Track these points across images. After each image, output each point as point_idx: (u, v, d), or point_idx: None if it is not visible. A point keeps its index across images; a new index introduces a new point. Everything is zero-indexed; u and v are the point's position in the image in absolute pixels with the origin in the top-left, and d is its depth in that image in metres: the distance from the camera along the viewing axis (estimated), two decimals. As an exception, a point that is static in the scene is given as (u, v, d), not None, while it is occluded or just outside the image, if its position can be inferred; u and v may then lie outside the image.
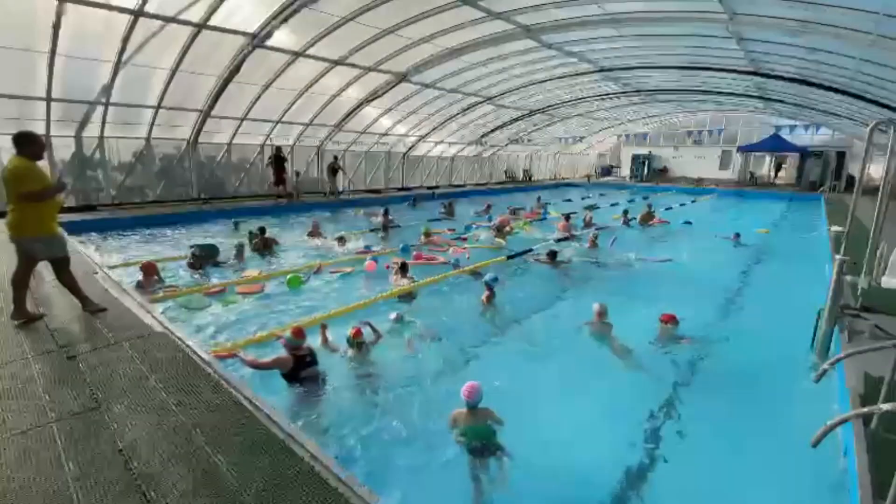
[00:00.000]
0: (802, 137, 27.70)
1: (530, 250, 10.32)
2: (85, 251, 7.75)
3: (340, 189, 18.58)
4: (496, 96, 18.99)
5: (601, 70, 15.87)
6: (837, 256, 4.92)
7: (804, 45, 9.34)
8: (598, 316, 6.04)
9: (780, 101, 16.93)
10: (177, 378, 3.53)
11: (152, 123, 13.27)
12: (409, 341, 5.65)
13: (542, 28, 11.65)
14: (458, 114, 19.98)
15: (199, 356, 3.89)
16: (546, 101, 21.73)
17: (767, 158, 31.18)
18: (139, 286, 6.93)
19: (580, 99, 21.57)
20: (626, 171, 34.48)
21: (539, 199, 18.35)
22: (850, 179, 27.11)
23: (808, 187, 27.10)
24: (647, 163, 33.51)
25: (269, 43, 11.21)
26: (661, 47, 13.12)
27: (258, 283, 7.68)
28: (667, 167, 33.16)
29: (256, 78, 13.26)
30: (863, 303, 5.61)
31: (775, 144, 27.47)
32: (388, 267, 8.25)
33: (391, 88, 15.48)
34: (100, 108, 11.84)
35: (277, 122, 15.85)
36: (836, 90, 11.84)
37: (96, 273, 6.32)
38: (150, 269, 7.38)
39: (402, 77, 15.00)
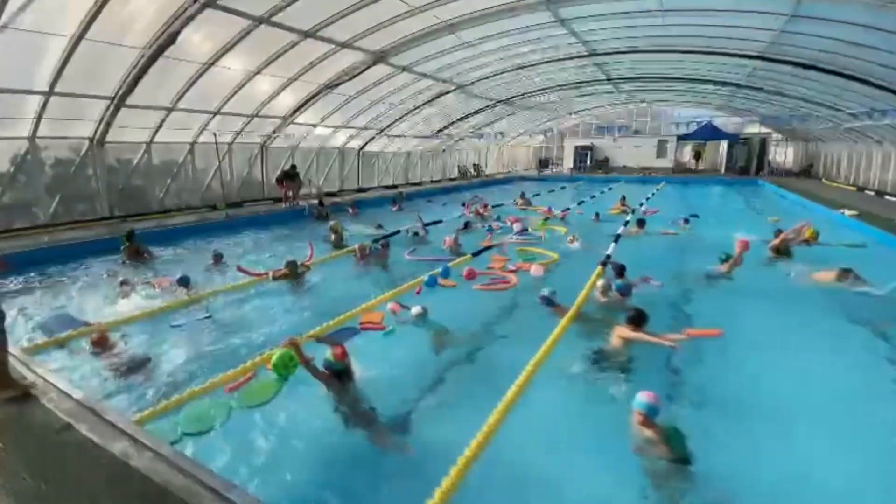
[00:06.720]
0: (728, 126, 29.71)
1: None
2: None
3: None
4: (471, 83, 17.13)
5: (591, 54, 14.73)
6: None
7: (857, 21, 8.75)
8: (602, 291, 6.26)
9: (759, 89, 17.15)
10: None
11: (39, 117, 9.48)
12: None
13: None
14: (424, 104, 17.81)
15: None
16: (518, 90, 20.37)
17: (688, 147, 32.87)
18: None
19: (549, 88, 20.46)
20: (569, 163, 34.52)
21: (523, 194, 16.85)
22: (769, 164, 29.49)
23: (738, 172, 28.93)
24: (589, 154, 33.81)
25: (223, 3, 8.26)
26: (677, 27, 12.18)
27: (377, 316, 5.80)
28: (607, 158, 33.72)
29: (192, 54, 10.07)
30: None
31: (710, 133, 28.93)
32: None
33: (363, 72, 12.92)
34: (-45, 94, 8.00)
35: (215, 114, 12.52)
36: (842, 75, 11.81)
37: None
38: (102, 341, 5.00)
39: (379, 58, 12.53)
